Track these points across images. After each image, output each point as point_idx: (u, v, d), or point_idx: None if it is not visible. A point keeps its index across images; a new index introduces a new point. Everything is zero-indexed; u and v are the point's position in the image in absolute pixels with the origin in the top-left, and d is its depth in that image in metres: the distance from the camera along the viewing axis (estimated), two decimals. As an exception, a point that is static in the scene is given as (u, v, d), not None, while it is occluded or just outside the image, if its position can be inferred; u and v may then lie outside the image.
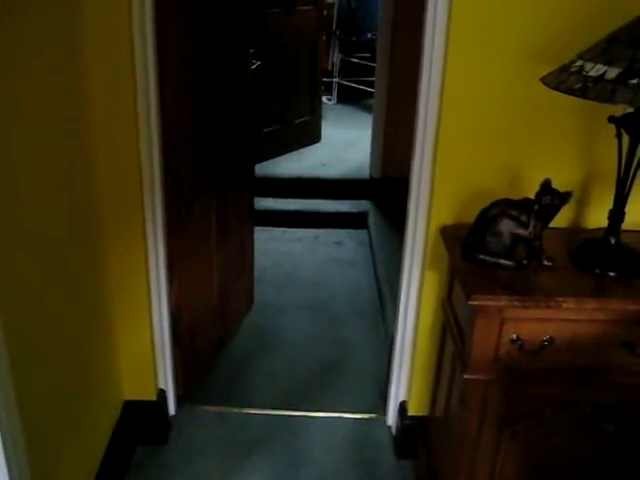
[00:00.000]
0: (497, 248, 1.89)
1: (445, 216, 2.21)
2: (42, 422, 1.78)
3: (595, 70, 1.58)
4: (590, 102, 1.60)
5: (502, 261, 1.88)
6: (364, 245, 4.59)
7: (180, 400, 2.86)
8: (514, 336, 1.81)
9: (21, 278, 1.65)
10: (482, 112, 2.09)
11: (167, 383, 2.70)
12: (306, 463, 2.61)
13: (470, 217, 1.98)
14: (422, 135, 2.19)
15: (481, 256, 1.90)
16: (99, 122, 2.15)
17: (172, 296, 2.58)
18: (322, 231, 4.74)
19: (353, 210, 4.91)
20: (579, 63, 1.64)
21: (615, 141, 1.78)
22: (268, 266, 4.15)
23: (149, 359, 2.59)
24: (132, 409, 2.62)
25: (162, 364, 2.64)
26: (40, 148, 1.75)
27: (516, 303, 1.76)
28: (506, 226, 1.87)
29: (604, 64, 1.58)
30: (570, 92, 1.61)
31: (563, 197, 1.84)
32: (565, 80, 1.65)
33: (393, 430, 2.76)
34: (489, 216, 1.90)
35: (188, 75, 2.51)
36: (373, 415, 2.88)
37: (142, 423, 2.66)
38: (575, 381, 1.90)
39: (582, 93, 1.58)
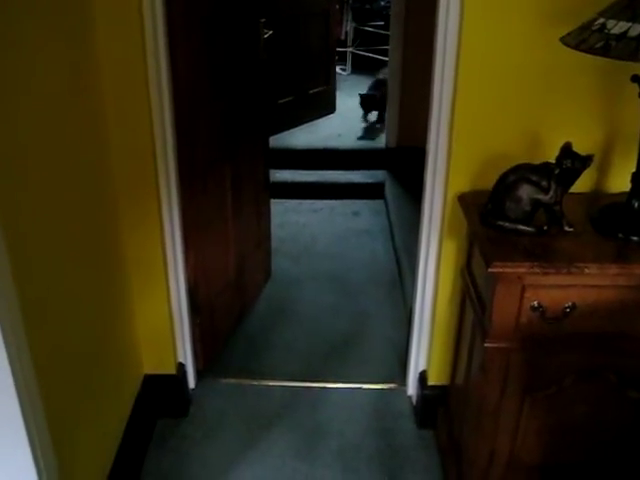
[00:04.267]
0: (517, 214, 1.85)
1: (463, 183, 2.17)
2: (62, 397, 1.78)
3: (618, 27, 1.53)
4: (612, 61, 1.55)
5: (522, 227, 1.85)
6: (381, 215, 4.56)
7: (200, 373, 2.86)
8: (535, 303, 1.78)
9: (37, 252, 1.63)
10: (500, 76, 2.04)
11: (186, 357, 2.71)
12: (326, 434, 2.61)
13: (488, 183, 1.95)
14: (438, 101, 2.15)
15: (500, 222, 1.87)
16: (109, 92, 2.12)
17: (188, 269, 2.57)
18: (338, 202, 4.72)
19: (369, 180, 4.88)
20: (600, 21, 1.59)
21: (638, 101, 1.73)
22: (285, 238, 4.13)
23: (168, 333, 2.59)
24: (152, 383, 2.62)
25: (181, 338, 2.64)
26: (47, 119, 1.73)
27: (537, 269, 1.73)
28: (526, 191, 1.84)
29: (627, 21, 1.52)
30: (591, 51, 1.56)
31: (584, 161, 1.80)
32: (586, 39, 1.60)
33: (413, 400, 2.75)
34: (508, 181, 1.87)
35: (199, 43, 2.47)
36: (393, 385, 2.87)
37: (162, 397, 2.66)
38: (598, 348, 1.87)
39: (604, 52, 1.54)
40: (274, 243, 3.72)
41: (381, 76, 5.60)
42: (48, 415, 1.60)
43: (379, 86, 5.46)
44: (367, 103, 5.46)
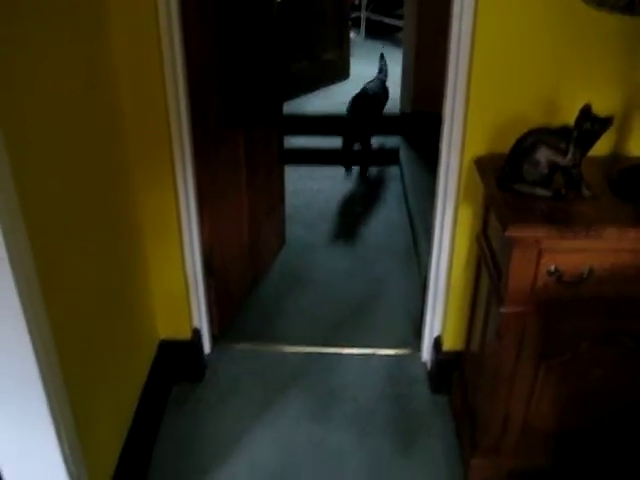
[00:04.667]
0: (534, 177, 1.83)
1: (479, 147, 2.14)
2: (79, 361, 1.79)
3: (641, -16, 1.49)
4: (633, 21, 1.52)
5: (539, 191, 1.83)
6: (396, 181, 4.54)
7: (215, 338, 2.87)
8: (552, 268, 1.76)
9: (54, 218, 1.63)
10: (517, 37, 1.99)
11: (201, 322, 2.72)
12: (340, 399, 2.62)
13: (506, 147, 1.92)
14: (455, 65, 2.12)
15: (518, 186, 1.84)
16: (122, 59, 2.09)
17: (203, 234, 2.56)
18: (353, 168, 4.69)
19: (384, 146, 4.84)
20: (623, -22, 1.55)
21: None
22: (299, 204, 4.12)
23: (183, 299, 2.60)
24: (168, 348, 2.64)
25: (196, 303, 2.64)
26: (61, 85, 1.72)
27: (554, 233, 1.71)
28: (544, 154, 1.81)
29: (651, -23, 1.49)
30: (615, 9, 1.53)
31: (604, 123, 1.76)
32: (608, -3, 1.56)
33: (428, 365, 2.75)
34: (526, 145, 1.84)
35: (212, 6, 2.43)
36: (407, 351, 2.87)
37: (178, 361, 2.68)
38: (615, 312, 1.86)
39: (628, 10, 1.50)
40: (288, 209, 3.71)
41: (371, 86, 4.76)
42: (65, 380, 1.61)
43: (364, 103, 4.47)
44: (360, 108, 4.37)
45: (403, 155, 4.64)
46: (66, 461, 1.63)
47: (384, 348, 2.90)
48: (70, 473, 1.66)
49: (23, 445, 1.61)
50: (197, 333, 2.70)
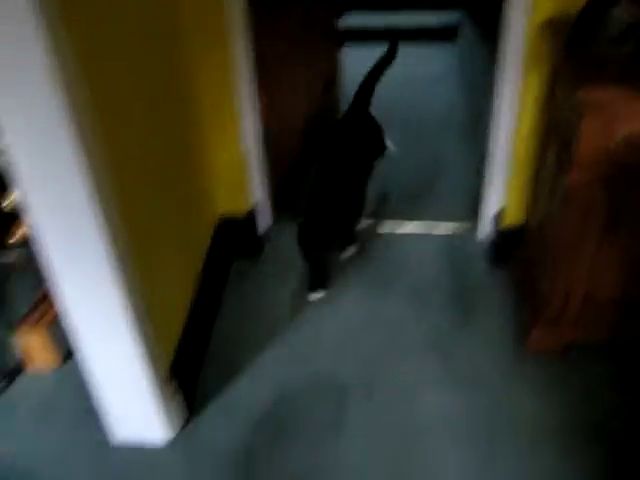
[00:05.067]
0: (608, 37, 1.73)
1: (548, 8, 2.03)
2: (143, 229, 1.81)
3: None
4: None
5: (614, 51, 1.73)
6: (455, 58, 4.38)
7: (274, 214, 2.89)
8: (626, 132, 1.68)
9: (114, 95, 1.62)
10: None
11: (260, 198, 2.73)
12: (399, 274, 2.64)
13: (576, 7, 1.81)
14: None
15: (590, 46, 1.75)
16: None
17: (261, 112, 2.53)
18: (411, 46, 4.53)
19: (442, 22, 4.67)
20: None
21: None
22: (355, 83, 4.01)
23: (242, 175, 2.61)
24: (227, 223, 2.68)
25: (254, 178, 2.65)
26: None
27: (629, 95, 1.63)
28: (620, 11, 1.70)
29: None
30: None
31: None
32: None
33: (488, 240, 2.72)
34: (600, 2, 1.73)
35: None
36: (467, 227, 2.85)
37: (237, 236, 2.73)
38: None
39: None
40: (344, 90, 3.63)
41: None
42: (130, 244, 1.64)
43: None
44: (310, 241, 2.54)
45: (462, 31, 4.46)
46: (132, 323, 1.69)
47: (443, 224, 2.88)
48: (137, 332, 1.72)
49: (91, 303, 1.66)
50: (255, 208, 2.72)
